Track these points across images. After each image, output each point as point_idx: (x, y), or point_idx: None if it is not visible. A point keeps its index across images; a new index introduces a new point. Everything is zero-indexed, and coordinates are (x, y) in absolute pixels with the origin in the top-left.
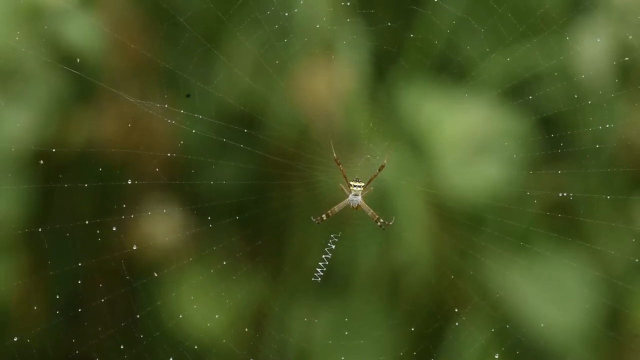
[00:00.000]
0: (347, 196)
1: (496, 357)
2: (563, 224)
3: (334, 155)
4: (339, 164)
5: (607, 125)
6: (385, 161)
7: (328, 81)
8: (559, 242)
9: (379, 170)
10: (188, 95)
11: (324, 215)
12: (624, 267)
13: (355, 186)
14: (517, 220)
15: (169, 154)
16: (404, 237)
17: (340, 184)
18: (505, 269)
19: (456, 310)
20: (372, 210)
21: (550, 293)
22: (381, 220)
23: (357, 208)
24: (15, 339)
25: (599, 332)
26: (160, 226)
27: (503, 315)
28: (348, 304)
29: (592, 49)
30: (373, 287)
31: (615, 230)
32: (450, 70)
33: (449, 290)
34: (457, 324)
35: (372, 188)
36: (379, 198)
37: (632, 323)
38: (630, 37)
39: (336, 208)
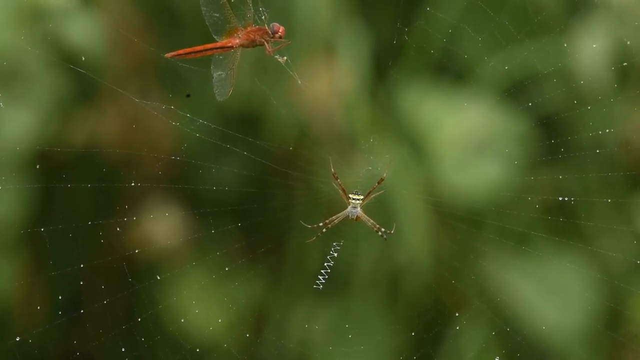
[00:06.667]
0: (346, 207)
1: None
2: (562, 226)
3: (332, 170)
4: (336, 178)
5: (607, 130)
6: (385, 174)
7: (328, 81)
8: (558, 244)
9: (378, 183)
10: (188, 96)
11: (321, 224)
12: (623, 268)
13: (354, 199)
14: (516, 222)
15: (173, 157)
16: (404, 238)
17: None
18: (505, 272)
19: (457, 315)
20: (372, 220)
21: (550, 295)
22: (382, 230)
23: (356, 219)
24: (17, 339)
25: (599, 332)
26: (163, 229)
27: (503, 318)
28: (348, 309)
29: (590, 46)
30: (373, 291)
31: (614, 231)
32: (450, 70)
33: (449, 293)
34: (457, 327)
35: (372, 197)
36: (378, 198)
37: (632, 323)
38: (629, 41)
39: (335, 220)
